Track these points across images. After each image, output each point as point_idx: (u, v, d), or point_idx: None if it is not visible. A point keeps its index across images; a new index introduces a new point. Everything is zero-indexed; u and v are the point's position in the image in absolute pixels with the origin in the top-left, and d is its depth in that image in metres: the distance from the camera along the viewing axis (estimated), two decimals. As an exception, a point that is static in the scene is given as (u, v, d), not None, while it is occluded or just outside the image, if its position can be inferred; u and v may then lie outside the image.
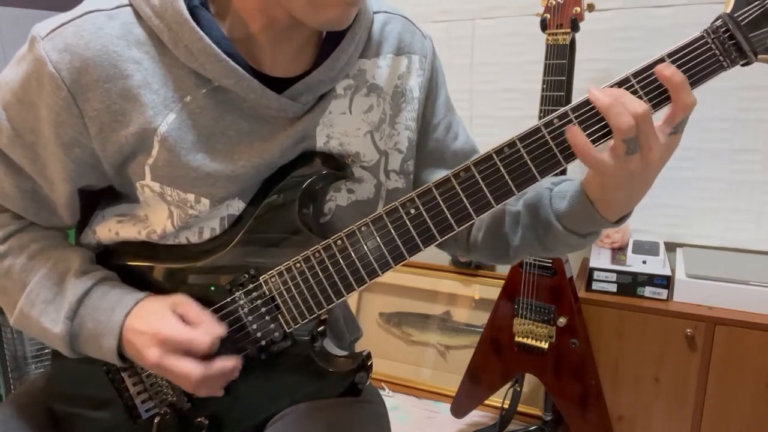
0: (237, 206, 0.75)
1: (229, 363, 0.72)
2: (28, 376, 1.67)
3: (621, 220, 0.71)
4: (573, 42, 1.48)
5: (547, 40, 1.48)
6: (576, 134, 0.62)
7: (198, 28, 0.66)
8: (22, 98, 0.68)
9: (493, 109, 1.97)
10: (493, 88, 1.96)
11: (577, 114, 0.63)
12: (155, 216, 0.75)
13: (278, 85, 0.71)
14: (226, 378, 0.73)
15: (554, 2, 1.47)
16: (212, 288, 0.76)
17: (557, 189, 0.75)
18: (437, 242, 0.70)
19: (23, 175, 0.74)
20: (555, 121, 0.64)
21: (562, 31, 1.46)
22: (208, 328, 0.71)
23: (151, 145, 0.69)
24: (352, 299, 2.21)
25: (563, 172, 0.82)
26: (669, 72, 0.60)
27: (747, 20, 0.60)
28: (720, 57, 0.61)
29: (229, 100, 0.70)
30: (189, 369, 0.68)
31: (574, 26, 1.45)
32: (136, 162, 0.71)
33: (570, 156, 0.65)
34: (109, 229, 0.78)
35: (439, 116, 0.85)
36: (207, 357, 0.70)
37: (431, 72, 0.84)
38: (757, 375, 1.53)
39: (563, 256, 1.60)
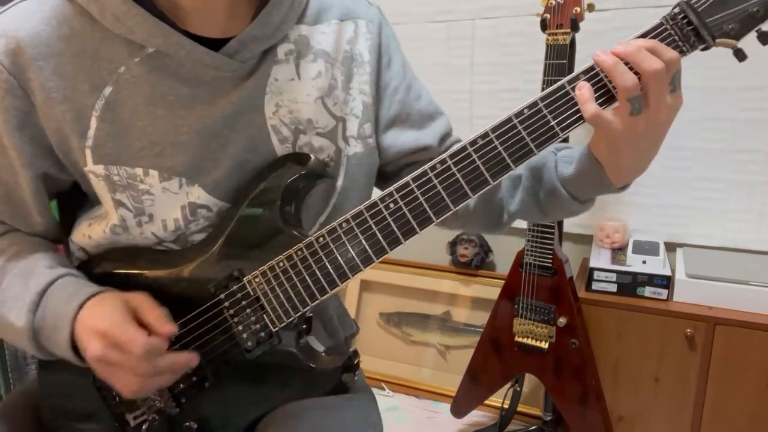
0: (197, 194, 0.74)
1: (181, 357, 0.70)
2: (28, 375, 1.68)
3: (625, 187, 0.73)
4: (573, 42, 1.48)
5: (547, 40, 1.48)
6: (584, 90, 0.65)
7: None
8: None
9: (493, 109, 1.96)
10: (493, 88, 1.95)
11: (546, 102, 0.66)
12: (109, 206, 0.75)
13: (215, 46, 0.72)
14: (175, 371, 0.71)
15: (554, 2, 1.47)
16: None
17: (562, 154, 0.76)
18: (417, 234, 0.71)
19: None
20: (525, 110, 0.67)
21: (562, 31, 1.46)
22: (156, 326, 0.69)
23: (87, 124, 0.71)
24: (351, 299, 2.22)
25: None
26: (599, 58, 0.64)
27: (703, 6, 0.63)
28: (680, 42, 0.64)
29: (165, 65, 0.71)
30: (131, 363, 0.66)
31: (574, 26, 1.45)
32: (77, 149, 0.72)
33: (541, 144, 0.67)
34: (83, 233, 0.79)
35: (398, 79, 0.85)
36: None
37: (379, 37, 0.84)
38: (757, 375, 1.52)
39: (563, 256, 1.60)
